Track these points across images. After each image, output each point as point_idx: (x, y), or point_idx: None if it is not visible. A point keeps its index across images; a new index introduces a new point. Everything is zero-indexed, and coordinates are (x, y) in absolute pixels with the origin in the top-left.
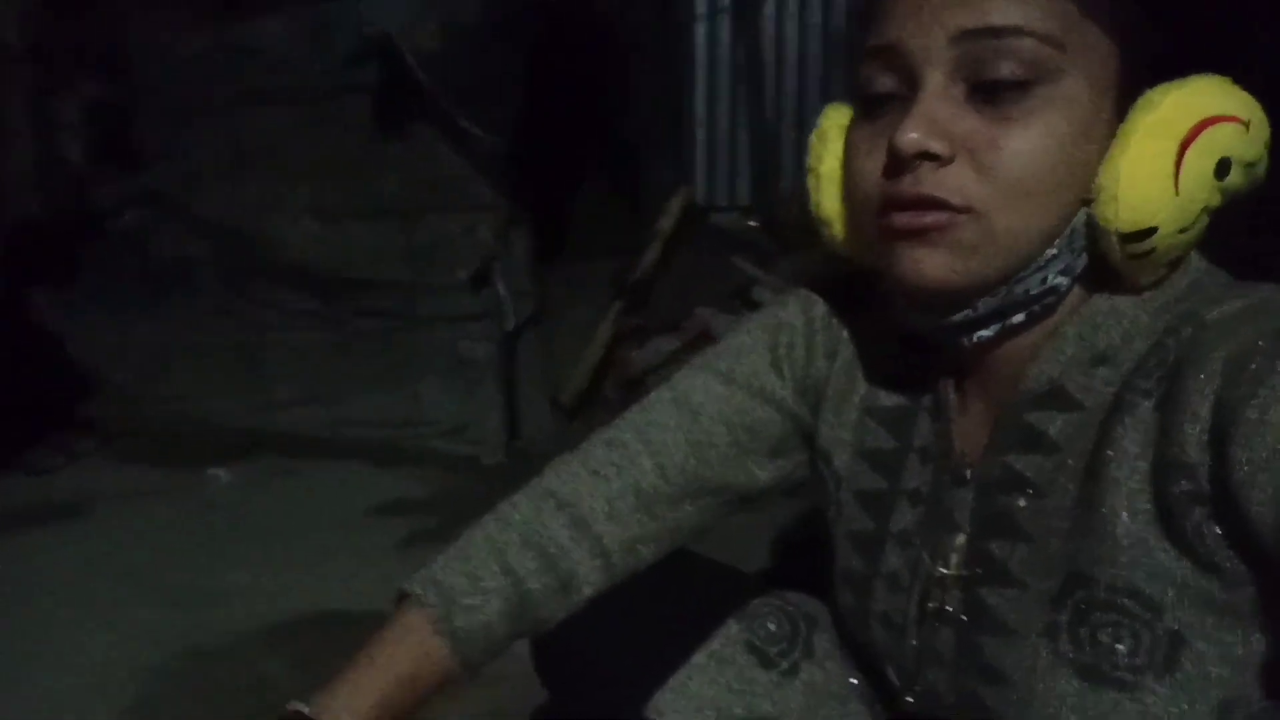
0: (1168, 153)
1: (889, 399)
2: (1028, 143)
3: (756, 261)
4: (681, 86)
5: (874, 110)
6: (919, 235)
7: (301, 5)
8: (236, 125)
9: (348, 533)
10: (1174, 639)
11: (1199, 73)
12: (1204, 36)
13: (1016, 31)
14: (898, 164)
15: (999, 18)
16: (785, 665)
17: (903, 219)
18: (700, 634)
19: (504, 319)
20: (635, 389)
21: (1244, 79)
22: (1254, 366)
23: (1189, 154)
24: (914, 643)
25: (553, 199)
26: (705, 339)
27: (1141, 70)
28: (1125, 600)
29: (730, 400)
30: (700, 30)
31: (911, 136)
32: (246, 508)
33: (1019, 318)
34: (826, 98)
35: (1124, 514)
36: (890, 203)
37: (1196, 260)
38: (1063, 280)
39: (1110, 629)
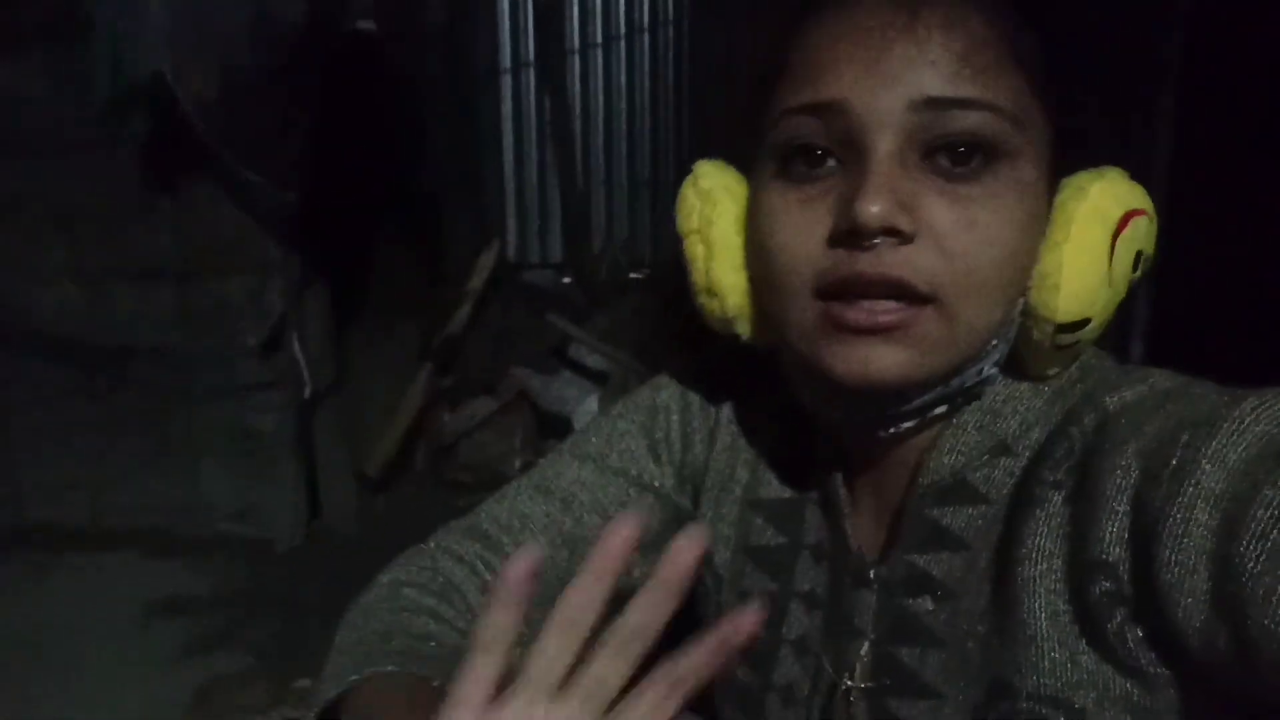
0: (1104, 243)
1: (773, 490)
2: (994, 228)
3: (571, 319)
4: (486, 140)
5: (800, 173)
6: (873, 332)
7: (53, 44)
8: None
9: (118, 638)
10: None
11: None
12: (1102, 116)
13: (983, 105)
14: (853, 239)
15: (967, 89)
16: None
17: (857, 315)
18: None
19: (300, 387)
20: (449, 456)
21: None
22: (1175, 462)
23: (1119, 245)
24: None
25: (349, 256)
26: (522, 400)
27: (1061, 153)
28: (1048, 710)
29: (605, 488)
30: (506, 83)
31: (875, 209)
32: None
33: (941, 409)
34: (633, 155)
35: (1043, 617)
36: (845, 286)
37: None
38: (995, 371)
39: None
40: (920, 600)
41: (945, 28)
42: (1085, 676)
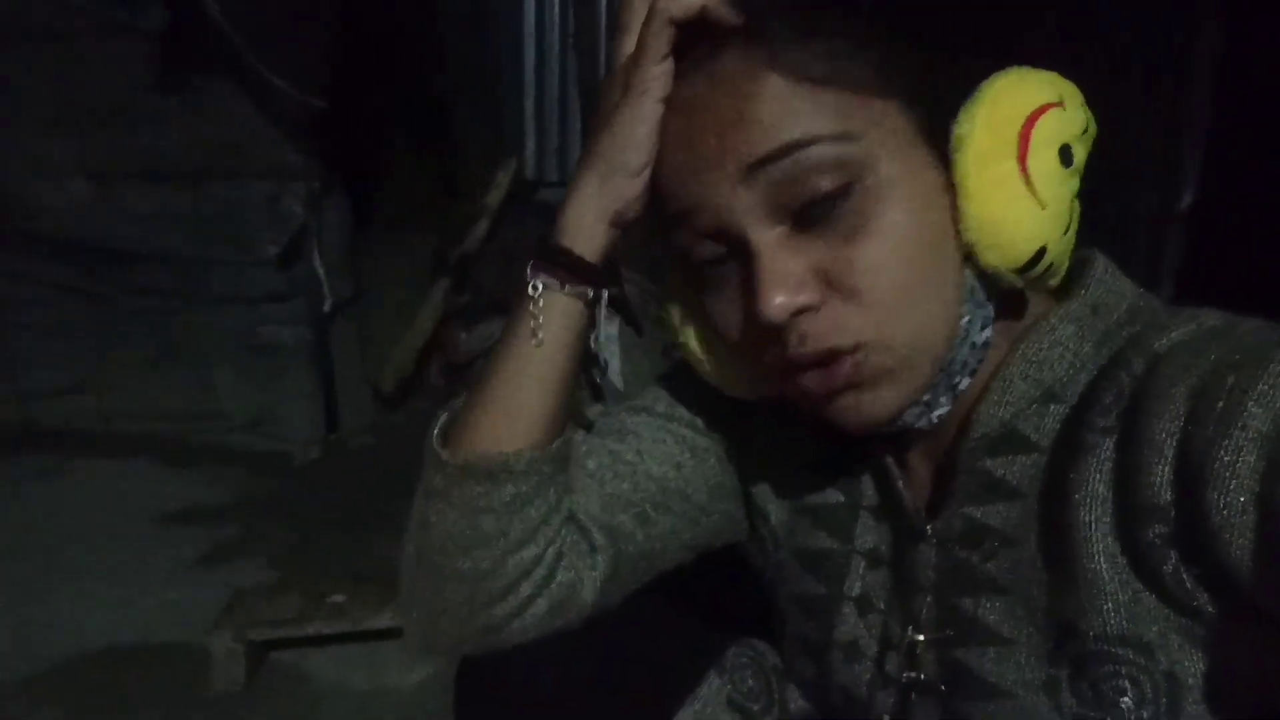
0: (1009, 176)
1: (826, 454)
2: (879, 249)
3: None
4: (509, 52)
5: (711, 277)
6: (841, 389)
7: None
8: None
9: (134, 545)
10: (1171, 681)
11: (981, 73)
12: (969, 43)
13: (805, 144)
14: (773, 331)
15: (773, 140)
16: None
17: (814, 381)
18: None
19: (319, 299)
20: (464, 375)
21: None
22: (1222, 405)
23: (1030, 163)
24: (885, 719)
25: (366, 166)
26: None
27: (932, 105)
28: (1118, 648)
29: (657, 431)
30: None
31: (777, 304)
32: (1, 519)
33: (964, 383)
34: None
35: (1102, 561)
36: (793, 369)
37: (1130, 286)
38: (987, 333)
39: (1111, 680)
40: (979, 550)
41: (737, 100)
42: (1148, 612)
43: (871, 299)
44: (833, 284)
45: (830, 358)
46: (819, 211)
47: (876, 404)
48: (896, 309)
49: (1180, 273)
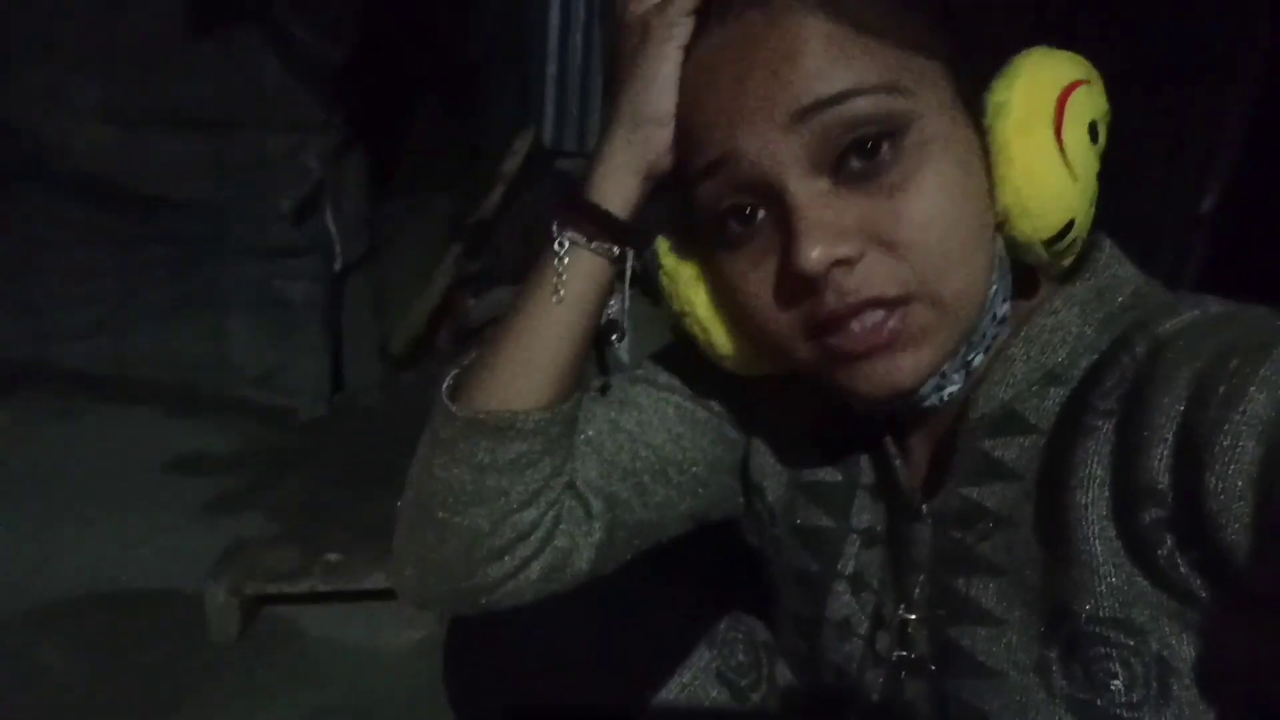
0: (1048, 146)
1: (827, 431)
2: (926, 201)
3: None
4: (534, 20)
5: (736, 235)
6: (880, 347)
7: None
8: (7, 2)
9: (139, 491)
10: (1162, 665)
11: (1004, 48)
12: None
13: (857, 92)
14: (808, 285)
15: (826, 86)
16: (756, 699)
17: (854, 343)
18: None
19: (332, 256)
20: (471, 341)
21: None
22: (1224, 389)
23: (1065, 135)
24: (875, 697)
25: (387, 127)
26: None
27: (966, 74)
28: (1110, 631)
29: (659, 402)
30: None
31: (814, 255)
32: (15, 455)
33: (978, 359)
34: None
35: (1097, 543)
36: (826, 326)
37: (1134, 272)
38: (1005, 307)
39: (1103, 662)
40: (974, 531)
41: (790, 41)
42: (1141, 595)
43: (919, 252)
44: (875, 237)
45: (873, 308)
46: (862, 166)
47: (911, 370)
48: (943, 263)
49: (1202, 276)
